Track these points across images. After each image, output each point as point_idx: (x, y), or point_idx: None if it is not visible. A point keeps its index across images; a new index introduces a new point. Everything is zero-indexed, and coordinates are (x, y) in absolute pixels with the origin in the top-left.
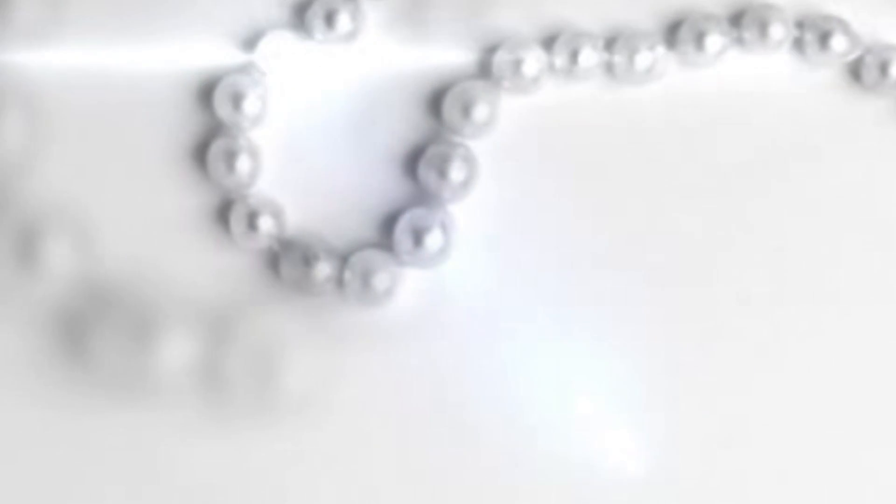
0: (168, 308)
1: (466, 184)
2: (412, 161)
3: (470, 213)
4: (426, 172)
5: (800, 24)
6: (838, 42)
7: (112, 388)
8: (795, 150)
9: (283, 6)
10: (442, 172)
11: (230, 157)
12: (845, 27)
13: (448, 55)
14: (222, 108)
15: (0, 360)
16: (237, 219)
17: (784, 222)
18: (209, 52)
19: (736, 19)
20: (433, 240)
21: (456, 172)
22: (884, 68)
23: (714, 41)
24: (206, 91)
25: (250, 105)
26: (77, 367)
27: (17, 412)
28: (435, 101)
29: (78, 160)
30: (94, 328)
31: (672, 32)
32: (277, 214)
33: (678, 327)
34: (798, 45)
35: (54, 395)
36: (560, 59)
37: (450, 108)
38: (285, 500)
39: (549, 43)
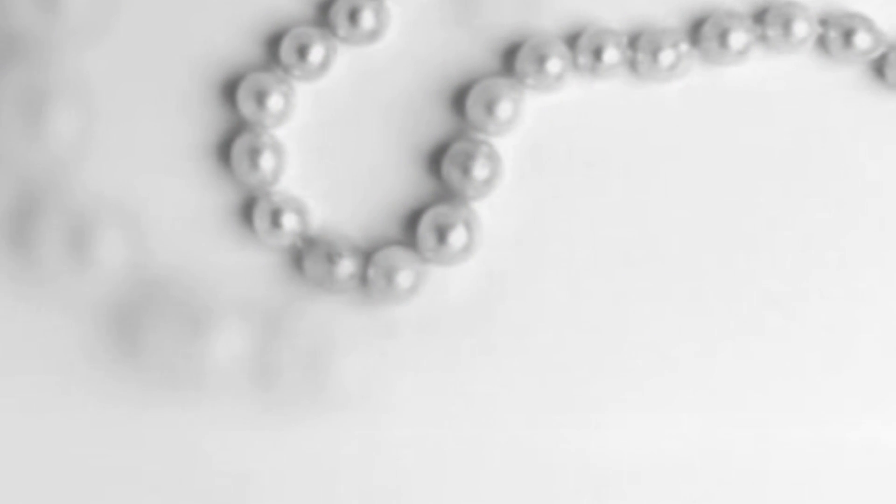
0: (192, 303)
1: (490, 181)
2: (436, 158)
3: (493, 211)
4: (450, 170)
5: (823, 22)
6: (862, 39)
7: (163, 380)
8: (819, 147)
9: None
10: (466, 170)
11: (254, 154)
12: (869, 25)
13: (472, 52)
14: (246, 105)
15: (53, 352)
16: (261, 216)
17: (808, 219)
18: (233, 49)
19: (760, 17)
20: (457, 237)
21: (479, 170)
22: None
23: (738, 38)
24: (230, 88)
25: (274, 102)
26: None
27: (70, 404)
28: (458, 98)
29: (107, 157)
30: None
31: (696, 30)
32: (301, 212)
33: (704, 325)
34: (822, 42)
35: (106, 387)
36: (584, 57)
37: (473, 106)
38: (326, 491)
39: (572, 40)
